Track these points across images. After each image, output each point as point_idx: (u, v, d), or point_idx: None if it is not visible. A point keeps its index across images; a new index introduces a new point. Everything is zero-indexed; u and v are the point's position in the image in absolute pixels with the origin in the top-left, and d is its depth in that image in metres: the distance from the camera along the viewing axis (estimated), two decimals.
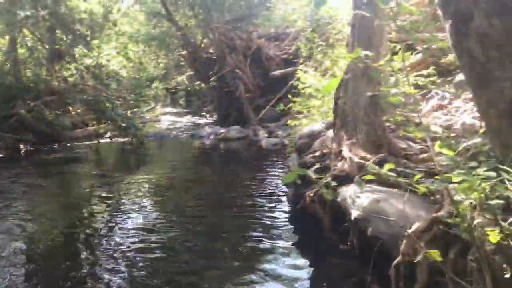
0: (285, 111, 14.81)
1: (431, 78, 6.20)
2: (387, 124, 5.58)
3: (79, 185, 8.84)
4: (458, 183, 2.07)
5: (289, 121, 9.77)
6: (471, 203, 2.11)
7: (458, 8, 2.54)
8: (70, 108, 16.28)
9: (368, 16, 4.58)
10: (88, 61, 15.34)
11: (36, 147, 12.69)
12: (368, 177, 2.33)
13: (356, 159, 4.70)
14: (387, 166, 2.40)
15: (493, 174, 2.07)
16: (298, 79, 9.13)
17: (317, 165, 2.65)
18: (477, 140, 3.25)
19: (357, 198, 4.04)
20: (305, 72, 8.70)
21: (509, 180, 1.96)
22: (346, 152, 4.88)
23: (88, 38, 15.08)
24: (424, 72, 5.89)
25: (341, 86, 5.18)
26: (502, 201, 2.08)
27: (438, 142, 2.22)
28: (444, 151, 2.19)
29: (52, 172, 9.74)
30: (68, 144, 13.54)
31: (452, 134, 2.93)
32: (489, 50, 2.37)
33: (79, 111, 16.34)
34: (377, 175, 2.54)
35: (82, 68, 14.68)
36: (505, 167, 2.07)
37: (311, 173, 2.37)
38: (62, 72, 15.03)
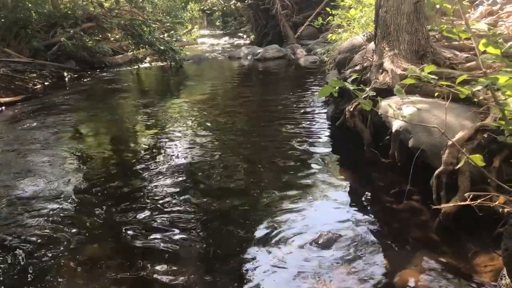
0: (324, 27, 14.36)
1: None
2: (431, 33, 5.33)
3: (122, 107, 9.10)
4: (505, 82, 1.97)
5: (328, 36, 9.46)
6: None
7: None
8: (109, 35, 16.34)
9: None
10: None
11: (79, 74, 12.96)
12: (408, 80, 2.23)
13: (399, 71, 4.56)
14: (428, 69, 2.29)
15: None
16: None
17: (354, 76, 2.57)
18: None
19: (398, 110, 3.97)
20: None
21: None
22: (387, 64, 4.73)
23: None
24: None
25: None
26: None
27: (483, 40, 2.08)
28: (490, 49, 2.06)
29: (97, 96, 10.02)
30: (110, 70, 13.76)
31: (499, 32, 2.74)
32: None
33: (117, 37, 16.39)
34: (419, 82, 2.45)
35: None
36: None
37: (348, 84, 2.29)
38: None
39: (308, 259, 3.20)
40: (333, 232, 3.47)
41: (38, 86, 11.13)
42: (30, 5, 13.55)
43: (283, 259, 3.21)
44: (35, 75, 11.78)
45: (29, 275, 3.24)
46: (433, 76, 2.30)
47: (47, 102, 9.37)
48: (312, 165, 4.99)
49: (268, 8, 18.03)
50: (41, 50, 12.93)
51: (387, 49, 4.87)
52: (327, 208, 4.03)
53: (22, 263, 3.40)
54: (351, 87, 2.46)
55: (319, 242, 3.36)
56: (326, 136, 6.00)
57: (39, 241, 3.70)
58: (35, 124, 7.59)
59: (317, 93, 8.47)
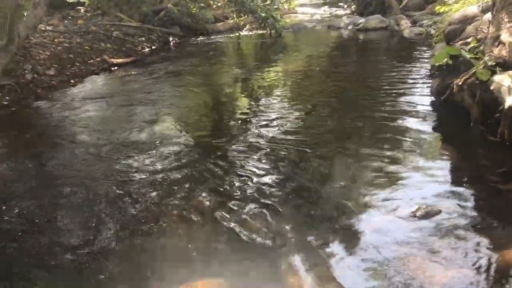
0: None
1: None
2: None
3: (221, 71, 9.51)
4: None
5: (437, 7, 8.96)
6: None
7: None
8: (211, 2, 16.76)
9: None
10: None
11: (182, 39, 13.53)
12: None
13: None
14: None
15: None
16: None
17: (473, 44, 2.45)
18: None
19: None
20: None
21: None
22: (505, 36, 4.41)
23: None
24: None
25: None
26: None
27: None
28: None
29: (198, 60, 10.38)
30: (211, 37, 14.17)
31: None
32: None
33: (219, 4, 16.77)
34: None
35: None
36: None
37: (464, 52, 2.20)
38: None
39: (405, 229, 3.18)
40: (432, 206, 3.41)
41: (146, 50, 11.82)
42: None
43: (379, 228, 3.23)
44: (143, 39, 12.50)
45: (133, 219, 3.58)
46: None
47: (153, 64, 9.97)
48: (412, 139, 4.85)
49: None
50: (149, 15, 13.66)
51: (506, 20, 4.53)
52: (426, 182, 3.93)
53: (128, 206, 3.76)
54: (467, 55, 2.38)
55: (417, 215, 3.32)
56: (429, 110, 5.76)
57: (143, 186, 4.09)
58: (141, 83, 8.24)
59: (421, 65, 8.12)
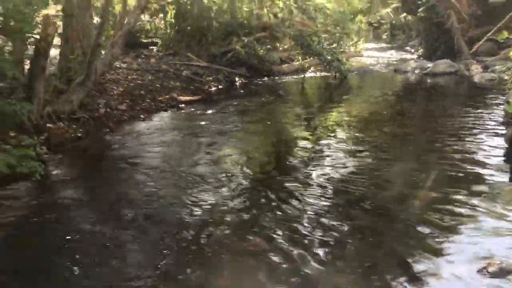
0: (505, 44, 13.16)
1: None
2: None
3: (285, 113, 9.53)
4: None
5: (510, 53, 8.64)
6: None
7: None
8: (278, 44, 17.12)
9: None
10: None
11: (248, 80, 13.82)
12: None
13: None
14: None
15: None
16: None
17: None
18: None
19: None
20: None
21: None
22: None
23: None
24: None
25: None
26: None
27: None
28: None
29: (263, 102, 10.53)
30: (276, 78, 14.38)
31: None
32: None
33: (285, 46, 17.09)
34: None
35: (291, 3, 15.16)
36: None
37: None
38: (273, 8, 15.74)
39: (475, 286, 2.97)
40: (506, 261, 3.17)
41: (213, 89, 12.17)
42: (212, 14, 14.90)
43: (447, 282, 3.04)
44: (211, 78, 12.90)
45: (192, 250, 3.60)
46: None
47: (219, 103, 10.26)
48: (486, 189, 4.61)
49: (441, 22, 17.08)
50: (218, 56, 14.14)
51: None
52: (501, 235, 3.68)
53: (193, 237, 3.79)
54: None
55: (490, 270, 3.09)
56: (503, 160, 5.47)
57: (208, 218, 4.18)
58: (207, 119, 8.50)
59: (493, 112, 7.78)
